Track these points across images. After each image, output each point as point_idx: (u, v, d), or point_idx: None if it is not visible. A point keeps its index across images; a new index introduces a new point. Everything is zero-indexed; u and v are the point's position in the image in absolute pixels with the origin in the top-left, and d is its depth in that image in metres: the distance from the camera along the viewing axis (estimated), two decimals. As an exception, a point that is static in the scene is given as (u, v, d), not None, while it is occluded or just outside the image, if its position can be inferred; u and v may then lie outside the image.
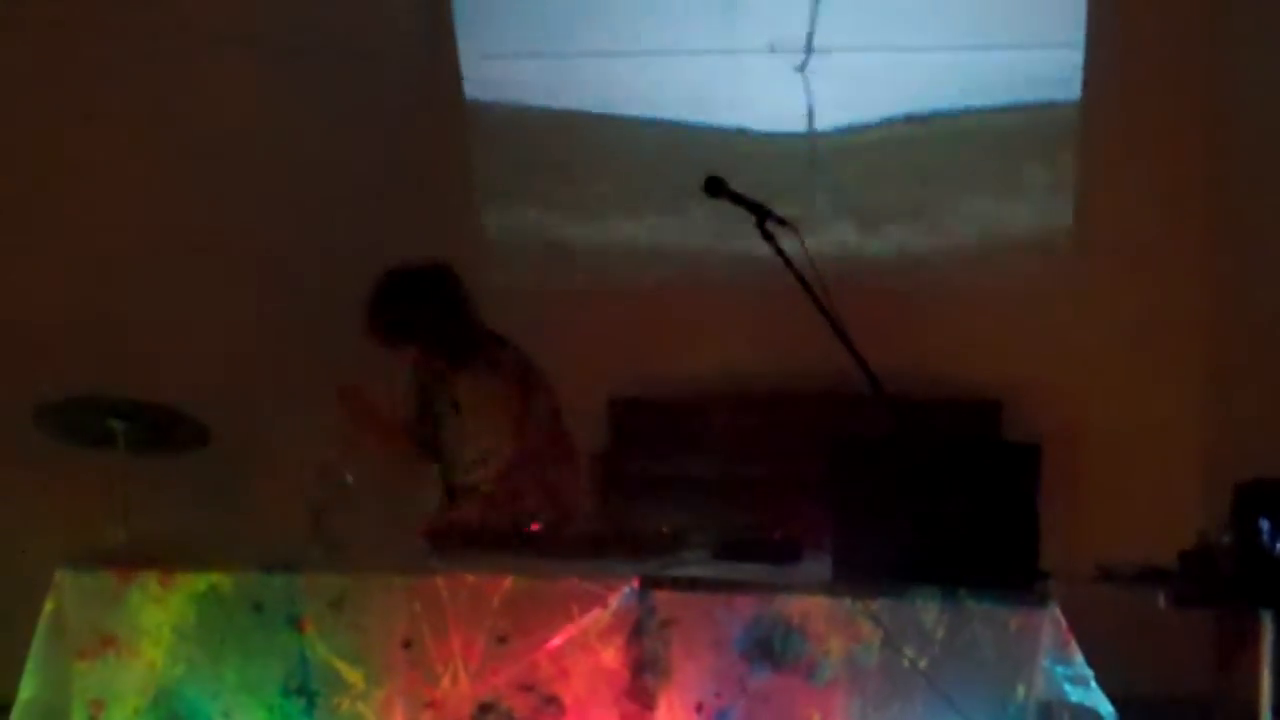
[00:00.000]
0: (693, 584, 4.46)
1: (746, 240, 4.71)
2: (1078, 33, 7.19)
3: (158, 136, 7.17)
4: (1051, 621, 4.21)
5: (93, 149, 7.12)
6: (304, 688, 4.57)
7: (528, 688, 4.44)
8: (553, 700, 4.43)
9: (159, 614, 4.66)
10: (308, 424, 6.00)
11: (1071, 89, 7.29)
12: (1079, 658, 4.18)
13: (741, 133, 7.50)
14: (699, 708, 4.37)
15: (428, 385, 5.75)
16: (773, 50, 7.48)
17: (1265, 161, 6.82)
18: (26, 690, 4.70)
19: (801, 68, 7.46)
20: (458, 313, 5.64)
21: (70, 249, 7.06)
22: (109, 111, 7.17)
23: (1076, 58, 7.24)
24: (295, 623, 4.58)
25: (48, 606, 4.71)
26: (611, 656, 4.41)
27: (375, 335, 5.50)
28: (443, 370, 5.69)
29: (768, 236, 4.63)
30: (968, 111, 7.37)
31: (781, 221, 4.64)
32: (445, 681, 4.48)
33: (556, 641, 4.43)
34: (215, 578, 4.65)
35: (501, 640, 4.46)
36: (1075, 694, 4.16)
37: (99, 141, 7.12)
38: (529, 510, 5.24)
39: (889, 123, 7.45)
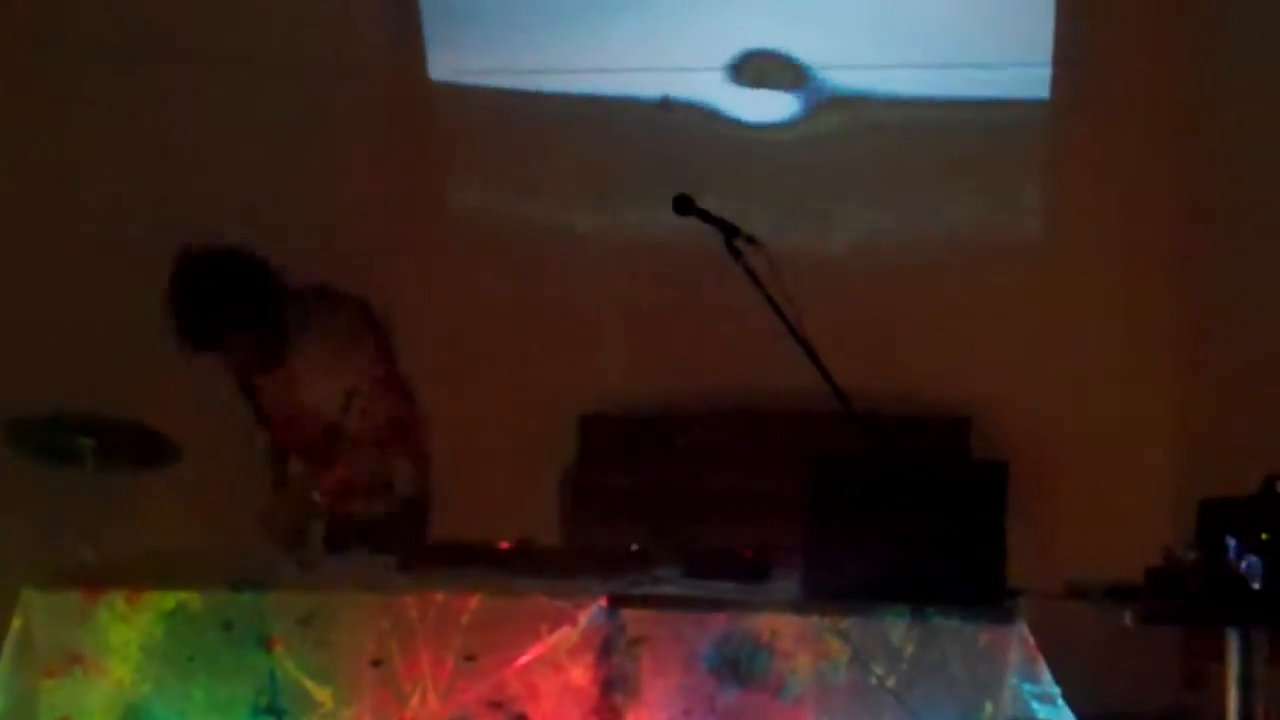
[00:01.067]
0: (662, 602, 4.46)
1: (717, 253, 4.71)
2: (1045, 50, 7.22)
3: (125, 145, 7.16)
4: (1019, 639, 4.23)
5: (64, 160, 7.11)
6: (273, 706, 4.55)
7: (496, 706, 4.43)
8: (521, 718, 4.43)
9: (127, 632, 4.63)
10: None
11: (1040, 104, 7.31)
12: (1046, 675, 4.19)
13: (709, 134, 7.50)
14: (668, 725, 4.38)
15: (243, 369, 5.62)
16: (738, 65, 7.50)
17: (1236, 175, 6.86)
18: (-7, 708, 4.69)
19: (763, 80, 7.48)
20: (262, 283, 5.45)
21: (38, 261, 7.04)
22: (77, 123, 7.16)
23: (1044, 74, 7.26)
24: (264, 641, 4.56)
25: (14, 624, 4.69)
26: (580, 674, 4.41)
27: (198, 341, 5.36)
28: (262, 343, 5.52)
29: (735, 254, 4.64)
30: (938, 126, 7.38)
31: (750, 239, 4.66)
32: (414, 700, 4.47)
33: (525, 659, 4.43)
34: (183, 596, 4.63)
35: (470, 658, 4.45)
36: (1043, 711, 4.17)
37: (71, 153, 7.12)
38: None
39: (856, 134, 7.46)
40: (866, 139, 7.46)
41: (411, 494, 5.66)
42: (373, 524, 5.43)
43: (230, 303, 5.36)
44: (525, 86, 7.61)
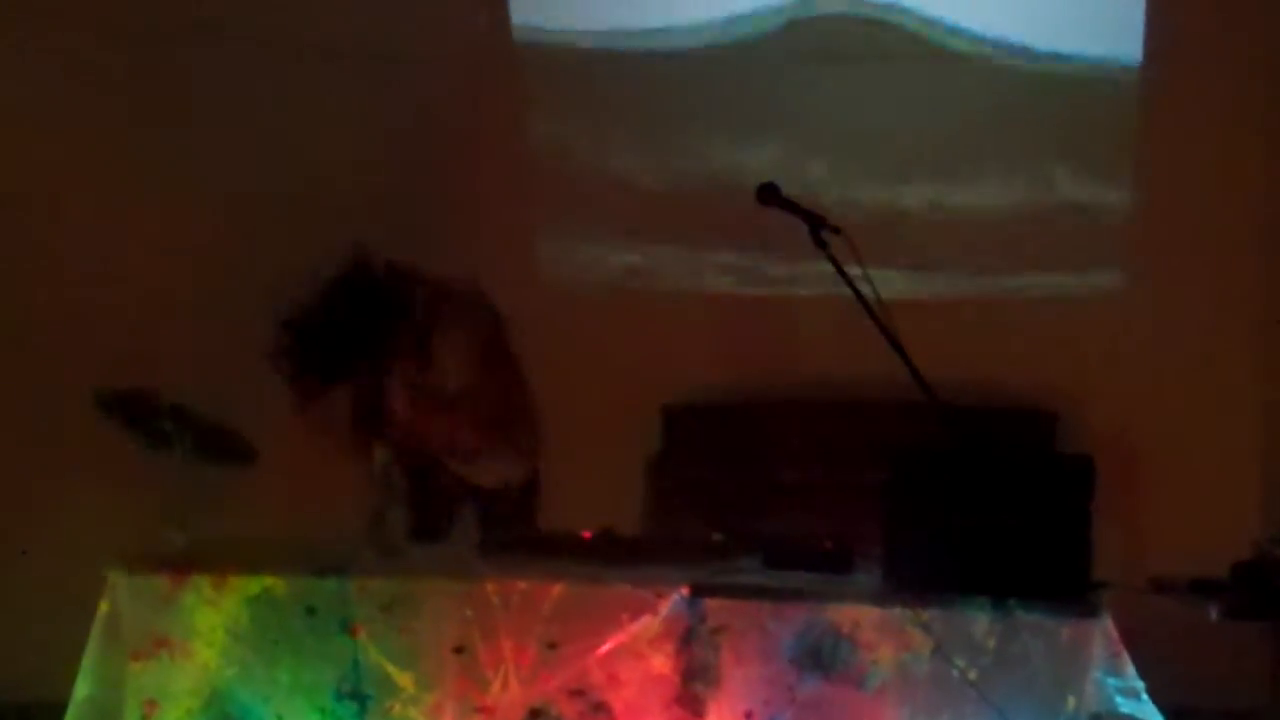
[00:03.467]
0: (743, 592, 4.46)
1: (801, 243, 4.70)
2: (1136, 26, 7.15)
3: (234, 136, 7.23)
4: (1103, 633, 4.21)
5: (186, 151, 7.19)
6: (356, 691, 4.58)
7: (578, 694, 4.45)
8: (602, 707, 4.44)
9: (212, 616, 4.68)
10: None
11: (1131, 95, 7.26)
12: (1130, 669, 4.17)
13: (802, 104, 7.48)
14: (748, 715, 4.37)
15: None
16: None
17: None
18: (81, 690, 4.72)
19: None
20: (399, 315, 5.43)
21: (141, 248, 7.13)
22: (195, 110, 7.23)
23: (1134, 51, 7.19)
24: (347, 626, 4.60)
25: (102, 608, 4.74)
26: (661, 663, 4.42)
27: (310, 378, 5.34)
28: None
29: (821, 245, 4.62)
30: (1031, 103, 7.32)
31: (835, 230, 4.64)
32: (496, 687, 4.49)
33: (607, 648, 4.44)
34: (268, 581, 4.67)
35: (552, 646, 4.46)
36: (1126, 706, 4.15)
37: (192, 143, 7.19)
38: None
39: (945, 104, 7.40)
40: (955, 110, 7.41)
41: (521, 480, 5.65)
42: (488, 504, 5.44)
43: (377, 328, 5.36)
44: (604, 50, 7.59)
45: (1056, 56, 7.30)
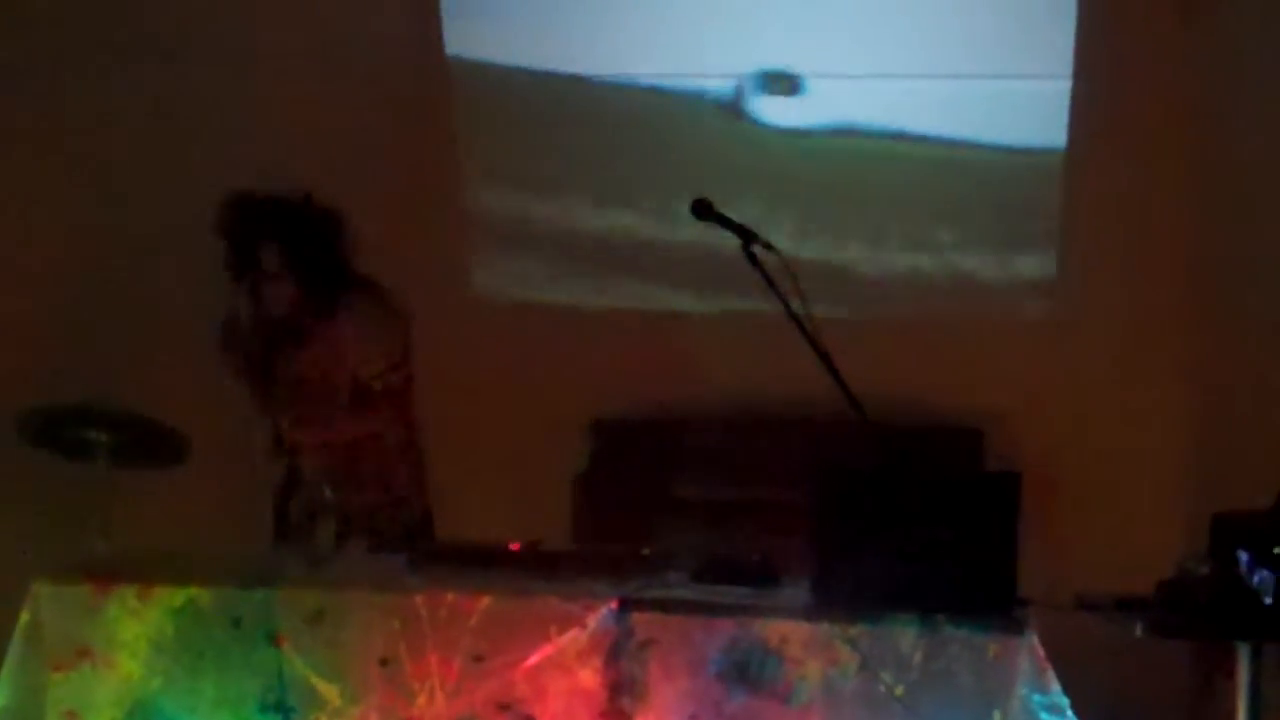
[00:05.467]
0: (671, 606, 4.46)
1: (731, 258, 4.71)
2: (1065, 64, 7.21)
3: (138, 137, 7.17)
4: (1029, 649, 4.23)
5: (79, 153, 7.12)
6: (281, 703, 4.56)
7: (504, 707, 4.44)
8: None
9: (136, 627, 4.65)
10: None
11: (1058, 118, 7.30)
12: (1055, 686, 4.19)
13: (731, 143, 7.50)
14: (676, 729, 4.38)
15: (271, 318, 5.62)
16: (763, 73, 7.48)
17: (1250, 193, 6.84)
18: (0, 700, 4.68)
19: (789, 89, 7.47)
20: (339, 248, 5.56)
21: (45, 255, 7.06)
22: (94, 118, 7.17)
23: (1064, 88, 7.25)
24: (273, 638, 4.57)
25: (23, 617, 4.71)
26: (589, 677, 4.41)
27: (248, 252, 5.46)
28: (299, 305, 5.57)
29: (754, 261, 4.63)
30: (954, 138, 7.38)
31: (768, 246, 4.65)
32: (422, 699, 4.48)
33: (534, 661, 4.43)
34: (193, 591, 4.65)
35: (479, 659, 4.46)
36: (1051, 722, 4.17)
37: (85, 146, 7.13)
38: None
39: (874, 146, 7.45)
40: (885, 154, 7.45)
41: (407, 496, 5.66)
42: (374, 522, 5.44)
43: (300, 230, 5.49)
44: (541, 77, 7.59)
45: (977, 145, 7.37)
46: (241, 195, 5.49)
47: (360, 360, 5.53)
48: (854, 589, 4.34)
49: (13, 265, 7.05)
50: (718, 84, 7.50)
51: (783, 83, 7.48)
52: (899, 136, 7.43)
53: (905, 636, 4.27)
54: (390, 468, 5.62)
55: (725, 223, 4.71)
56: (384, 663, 4.51)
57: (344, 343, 5.53)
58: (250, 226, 5.47)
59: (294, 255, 5.47)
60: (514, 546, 4.94)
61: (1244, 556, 4.27)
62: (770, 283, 4.56)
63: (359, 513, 5.37)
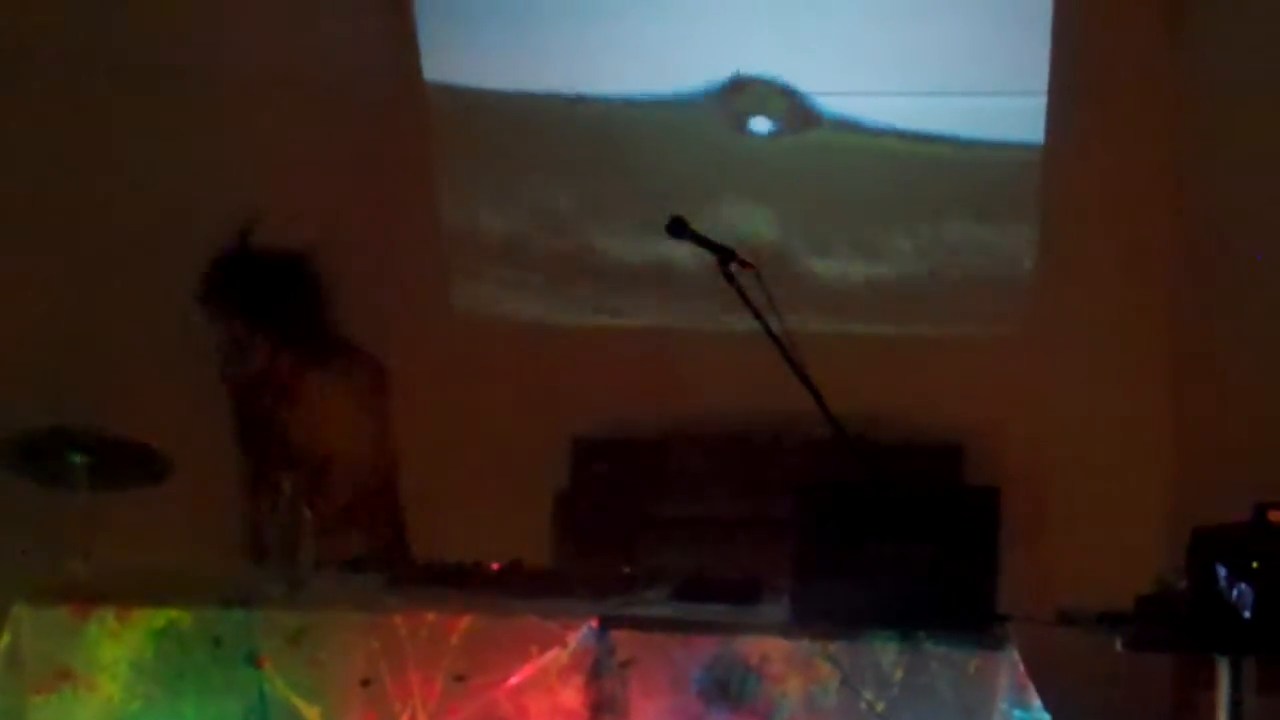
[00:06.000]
0: (652, 624, 4.45)
1: (709, 277, 4.72)
2: (1040, 79, 7.23)
3: (117, 158, 7.16)
4: (1009, 665, 4.23)
5: (61, 171, 7.12)
6: (262, 724, 4.55)
7: (486, 726, 4.44)
8: (510, 739, 4.43)
9: (116, 649, 4.63)
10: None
11: (1034, 134, 7.32)
12: (1036, 701, 4.19)
13: (708, 162, 7.51)
14: (657, 748, 4.37)
15: (252, 379, 5.64)
16: (739, 84, 7.50)
17: (1227, 206, 6.87)
18: (-20, 724, 4.68)
19: (764, 106, 7.49)
20: (318, 306, 5.56)
21: (25, 274, 7.05)
22: (70, 135, 7.16)
23: (1039, 104, 7.27)
24: (254, 659, 4.56)
25: (3, 640, 4.67)
26: (570, 696, 4.40)
27: (223, 310, 5.46)
28: (279, 366, 5.58)
29: (730, 279, 4.64)
30: (931, 155, 7.40)
31: (745, 264, 4.66)
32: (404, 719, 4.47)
33: (515, 680, 4.42)
34: (174, 613, 4.62)
35: (460, 679, 4.44)
36: (1032, 737, 4.17)
37: (67, 163, 7.12)
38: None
39: (851, 162, 7.47)
40: (861, 165, 7.47)
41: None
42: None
43: (280, 298, 5.47)
44: (520, 96, 7.60)
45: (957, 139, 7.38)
46: (218, 263, 5.49)
47: (337, 423, 5.56)
48: (834, 606, 4.33)
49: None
50: (694, 101, 7.50)
51: (759, 98, 7.49)
52: (876, 152, 7.45)
53: (886, 653, 4.27)
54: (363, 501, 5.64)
55: (701, 241, 4.72)
56: (365, 683, 4.49)
57: (323, 406, 5.56)
58: (225, 297, 5.47)
59: (267, 320, 5.49)
60: (494, 566, 4.95)
61: (1223, 570, 4.28)
62: (746, 300, 4.57)
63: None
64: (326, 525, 5.30)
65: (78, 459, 5.93)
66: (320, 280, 5.57)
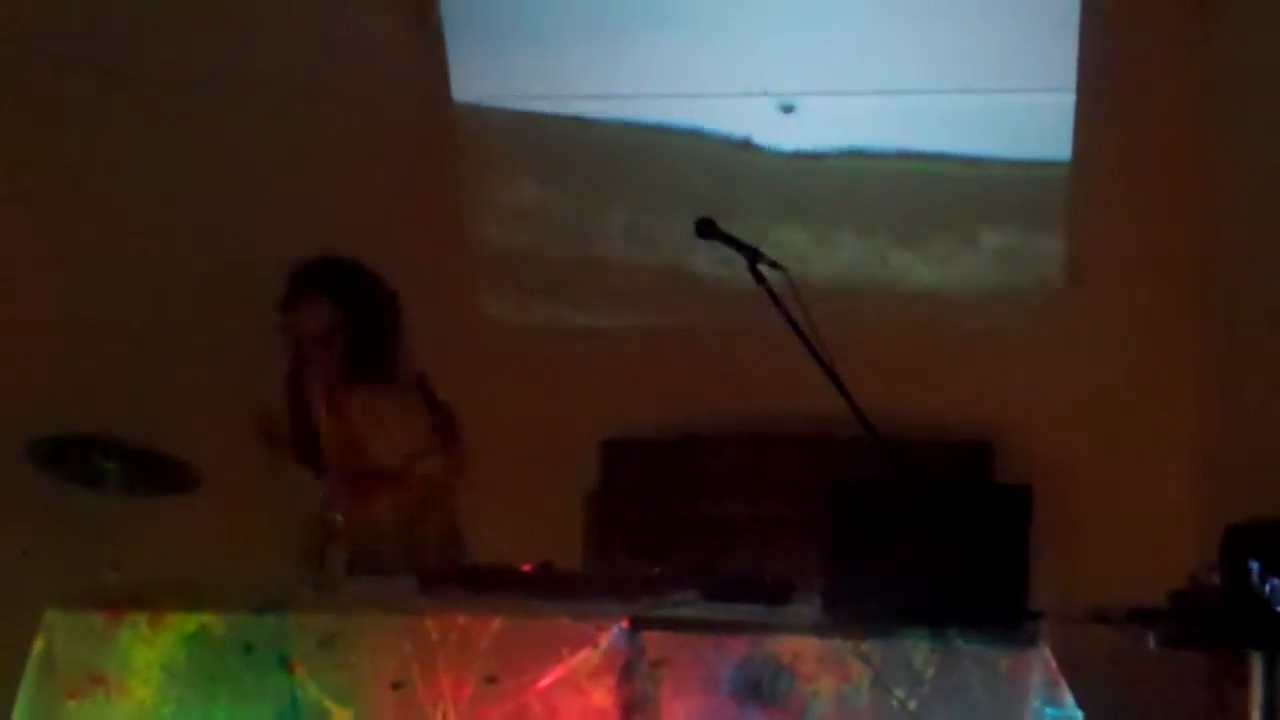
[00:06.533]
0: (683, 624, 4.45)
1: (739, 278, 4.73)
2: (1069, 78, 7.22)
3: (155, 173, 7.19)
4: (1041, 662, 4.21)
5: (100, 183, 7.15)
6: (294, 728, 4.56)
7: (517, 728, 4.44)
8: (542, 741, 4.43)
9: (149, 654, 4.64)
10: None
11: (1064, 131, 7.31)
12: (1069, 699, 4.18)
13: (735, 163, 7.51)
14: (689, 748, 4.37)
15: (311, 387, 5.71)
16: (766, 94, 7.50)
17: (1258, 203, 6.84)
18: (15, 729, 4.70)
19: (790, 109, 7.48)
20: (390, 330, 5.66)
21: (67, 287, 7.08)
22: (114, 150, 7.19)
23: (1068, 102, 7.26)
24: (285, 663, 4.57)
25: (37, 646, 4.70)
26: (601, 697, 4.40)
27: (311, 308, 5.54)
28: (338, 378, 5.65)
29: (759, 278, 4.64)
30: (958, 152, 7.39)
31: (774, 264, 4.66)
32: (435, 722, 4.48)
33: (546, 682, 4.42)
34: (205, 618, 4.64)
35: (491, 680, 4.44)
36: (1065, 735, 4.16)
37: (102, 177, 7.15)
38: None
39: (881, 161, 7.46)
40: (893, 168, 7.47)
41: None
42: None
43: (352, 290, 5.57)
44: (546, 110, 7.63)
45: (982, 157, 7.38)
46: (308, 265, 5.61)
47: (392, 442, 5.63)
48: (865, 604, 4.33)
49: (31, 296, 7.05)
50: (721, 106, 7.51)
51: (783, 107, 7.50)
52: (904, 152, 7.45)
53: (917, 651, 4.26)
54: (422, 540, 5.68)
55: (730, 241, 4.72)
56: (397, 686, 4.50)
57: (379, 425, 5.64)
58: (305, 282, 5.57)
59: (344, 317, 5.57)
60: (525, 568, 4.95)
61: (1256, 566, 4.26)
62: (776, 300, 4.56)
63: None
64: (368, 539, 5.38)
65: (109, 466, 5.97)
66: (398, 307, 5.70)
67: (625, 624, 4.41)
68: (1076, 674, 4.22)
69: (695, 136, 7.57)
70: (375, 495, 5.60)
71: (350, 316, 5.60)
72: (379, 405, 5.65)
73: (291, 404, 5.75)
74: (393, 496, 5.63)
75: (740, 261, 4.70)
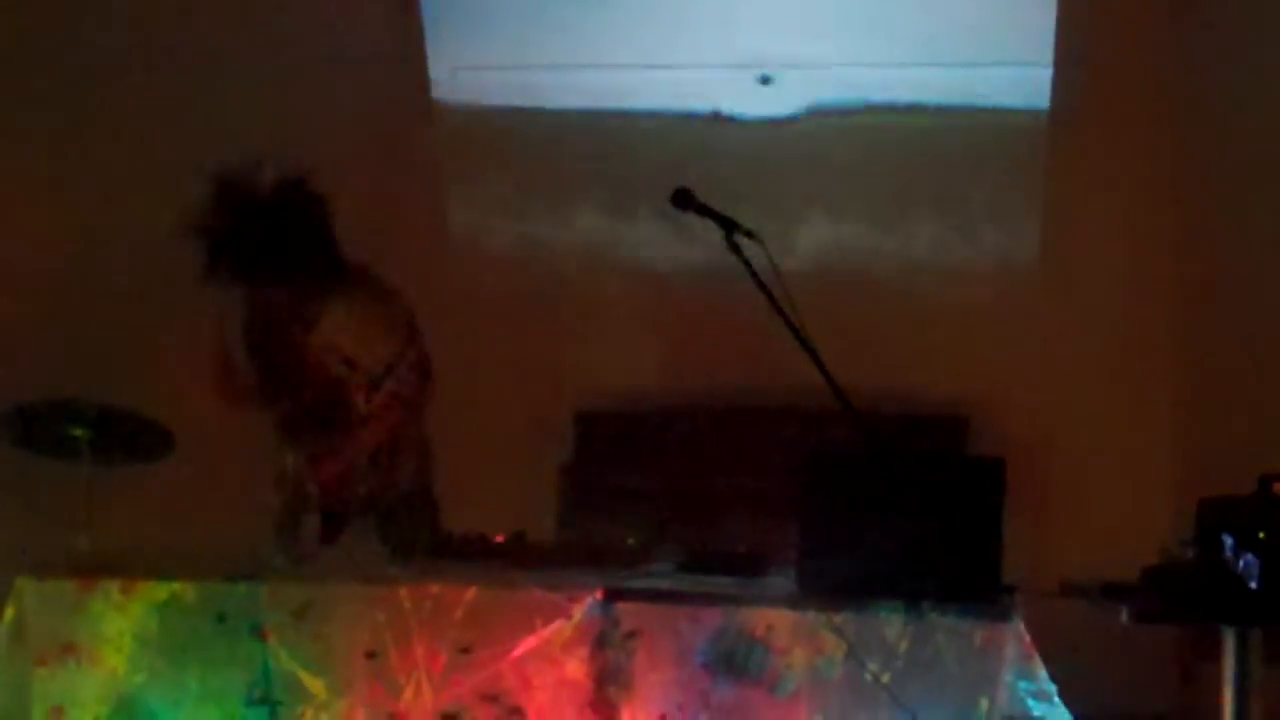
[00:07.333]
0: (657, 596, 4.46)
1: (713, 251, 4.72)
2: (1046, 50, 7.21)
3: (119, 144, 7.15)
4: (1015, 636, 4.23)
5: (60, 150, 7.11)
6: (266, 697, 4.55)
7: (491, 698, 4.44)
8: (516, 711, 4.43)
9: (121, 622, 4.64)
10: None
11: (1040, 104, 7.30)
12: (1042, 672, 4.20)
13: (709, 136, 7.50)
14: (662, 719, 4.37)
15: (268, 322, 5.47)
16: (741, 66, 7.48)
17: (1234, 179, 6.85)
18: (-14, 697, 4.68)
19: (767, 81, 7.47)
20: (327, 235, 5.36)
21: (32, 250, 7.04)
22: (74, 117, 7.16)
23: (1045, 75, 7.25)
24: (258, 632, 4.56)
25: (8, 614, 4.70)
26: (575, 668, 4.41)
27: (238, 277, 5.22)
28: (295, 302, 5.42)
29: (735, 249, 4.63)
30: (937, 125, 7.38)
31: (749, 234, 4.65)
32: (408, 692, 4.47)
33: (520, 652, 4.43)
34: (177, 586, 4.64)
35: (465, 650, 4.45)
36: (1038, 708, 4.17)
37: (66, 145, 7.11)
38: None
39: (856, 134, 7.44)
40: (868, 142, 7.45)
41: (415, 488, 5.62)
42: (379, 516, 5.42)
43: (292, 229, 5.24)
44: (520, 87, 7.60)
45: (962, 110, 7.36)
46: (221, 187, 5.24)
47: (364, 349, 5.42)
48: (839, 577, 4.33)
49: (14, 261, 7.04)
50: (696, 77, 7.48)
51: (764, 78, 7.48)
52: (879, 127, 7.43)
53: (891, 624, 4.27)
54: (398, 464, 5.59)
55: (706, 212, 4.71)
56: (370, 655, 4.50)
57: (345, 332, 5.41)
58: (231, 229, 5.20)
59: (278, 254, 5.23)
60: (498, 538, 4.95)
61: (1229, 541, 4.27)
62: (752, 272, 4.56)
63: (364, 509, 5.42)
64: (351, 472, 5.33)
65: (79, 432, 5.95)
66: (321, 204, 5.35)
67: (599, 595, 4.42)
68: (1050, 647, 4.24)
69: (671, 109, 7.54)
70: (350, 442, 5.49)
71: (284, 248, 5.23)
72: (340, 319, 5.41)
73: (252, 351, 5.51)
74: (366, 439, 5.51)
75: (716, 232, 4.69)
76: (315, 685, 4.53)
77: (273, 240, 5.20)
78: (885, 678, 4.25)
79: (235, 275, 5.20)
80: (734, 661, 4.34)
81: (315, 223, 5.33)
